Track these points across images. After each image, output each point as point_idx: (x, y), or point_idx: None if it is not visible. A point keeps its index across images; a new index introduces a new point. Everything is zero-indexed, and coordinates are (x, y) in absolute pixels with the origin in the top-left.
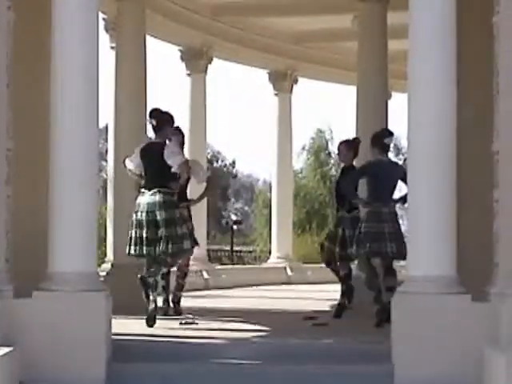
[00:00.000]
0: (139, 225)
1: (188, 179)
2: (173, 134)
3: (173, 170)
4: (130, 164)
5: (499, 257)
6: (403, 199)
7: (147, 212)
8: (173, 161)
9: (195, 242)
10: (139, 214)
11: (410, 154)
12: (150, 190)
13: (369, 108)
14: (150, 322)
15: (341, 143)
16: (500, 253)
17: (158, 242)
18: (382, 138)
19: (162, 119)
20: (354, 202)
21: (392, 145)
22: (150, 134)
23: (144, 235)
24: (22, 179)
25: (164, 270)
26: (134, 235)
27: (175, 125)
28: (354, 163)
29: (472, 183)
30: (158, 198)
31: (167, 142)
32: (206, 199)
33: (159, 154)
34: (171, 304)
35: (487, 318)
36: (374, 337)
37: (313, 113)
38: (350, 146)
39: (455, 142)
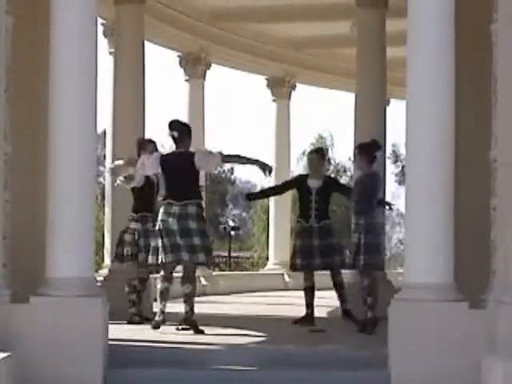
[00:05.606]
0: (171, 233)
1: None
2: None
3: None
4: (142, 170)
5: (496, 264)
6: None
7: (178, 221)
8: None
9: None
10: (170, 223)
11: (408, 162)
12: (179, 201)
13: (367, 115)
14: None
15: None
16: (497, 260)
17: (190, 249)
18: (374, 150)
19: (183, 130)
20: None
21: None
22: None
23: (177, 243)
24: (19, 184)
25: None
26: (166, 243)
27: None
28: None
29: (469, 190)
30: (189, 209)
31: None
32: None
33: (188, 165)
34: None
35: (484, 325)
36: (370, 343)
37: (313, 119)
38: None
39: (453, 150)
